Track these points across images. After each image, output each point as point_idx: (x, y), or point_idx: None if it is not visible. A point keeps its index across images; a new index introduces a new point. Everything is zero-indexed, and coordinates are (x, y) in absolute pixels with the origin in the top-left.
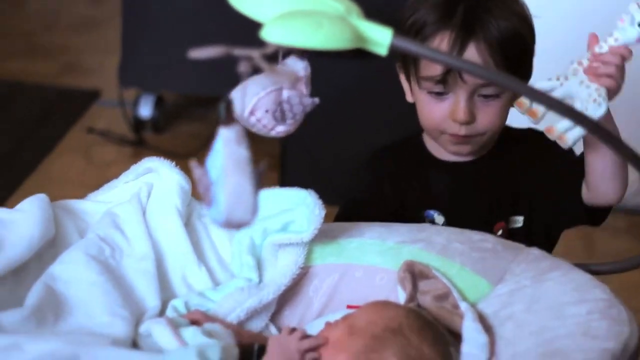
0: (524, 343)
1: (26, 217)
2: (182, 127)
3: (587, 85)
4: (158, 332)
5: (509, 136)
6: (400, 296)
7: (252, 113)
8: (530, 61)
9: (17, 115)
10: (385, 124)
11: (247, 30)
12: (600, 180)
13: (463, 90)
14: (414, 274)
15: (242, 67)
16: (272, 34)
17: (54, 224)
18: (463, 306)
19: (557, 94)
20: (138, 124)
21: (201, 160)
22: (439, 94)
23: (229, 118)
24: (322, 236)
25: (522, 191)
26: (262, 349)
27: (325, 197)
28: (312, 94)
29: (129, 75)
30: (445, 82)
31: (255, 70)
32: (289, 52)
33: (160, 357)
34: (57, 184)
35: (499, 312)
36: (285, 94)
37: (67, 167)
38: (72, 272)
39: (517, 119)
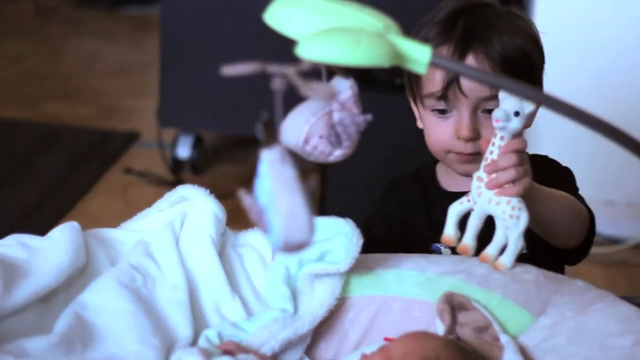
0: None
1: (56, 244)
2: (220, 168)
3: (497, 202)
4: None
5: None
6: (439, 328)
7: (306, 141)
8: (539, 80)
9: (55, 157)
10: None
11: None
12: (562, 239)
13: (465, 106)
14: (453, 306)
15: (276, 84)
16: (307, 51)
17: (84, 251)
18: (504, 338)
19: (475, 216)
20: (176, 165)
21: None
22: (442, 112)
23: (269, 138)
24: (359, 267)
25: None
26: None
27: None
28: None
29: (167, 116)
30: (446, 97)
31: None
32: (332, 72)
33: None
34: (93, 223)
35: (540, 345)
36: (337, 116)
37: (104, 207)
38: (102, 300)
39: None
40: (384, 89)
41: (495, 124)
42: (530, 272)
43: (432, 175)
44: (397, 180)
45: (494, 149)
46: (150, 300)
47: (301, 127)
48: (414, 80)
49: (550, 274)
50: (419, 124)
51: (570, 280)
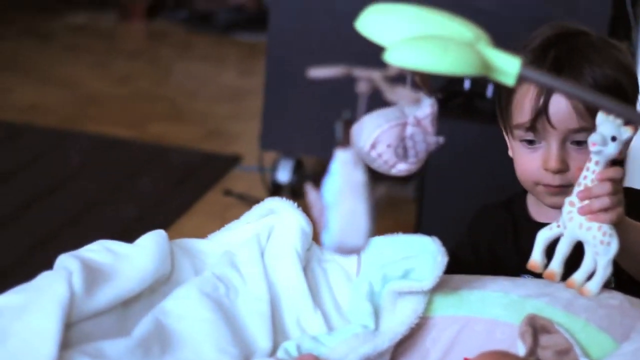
0: None
1: (142, 251)
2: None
3: (588, 227)
4: None
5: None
6: (520, 350)
7: (373, 147)
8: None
9: (158, 176)
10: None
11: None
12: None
13: (554, 138)
14: (536, 328)
15: (361, 87)
16: (395, 56)
17: (169, 260)
18: None
19: (564, 242)
20: (276, 189)
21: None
22: (531, 143)
23: (346, 140)
24: (443, 286)
25: None
26: None
27: None
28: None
29: (269, 139)
30: (535, 129)
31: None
32: (417, 87)
33: None
34: None
35: None
36: (410, 130)
37: (202, 227)
38: (184, 307)
39: None
40: (486, 119)
41: (591, 148)
42: (616, 298)
43: (522, 204)
44: (488, 208)
45: (588, 174)
46: (232, 310)
47: (372, 132)
48: (505, 109)
49: (636, 300)
50: (510, 153)
51: None
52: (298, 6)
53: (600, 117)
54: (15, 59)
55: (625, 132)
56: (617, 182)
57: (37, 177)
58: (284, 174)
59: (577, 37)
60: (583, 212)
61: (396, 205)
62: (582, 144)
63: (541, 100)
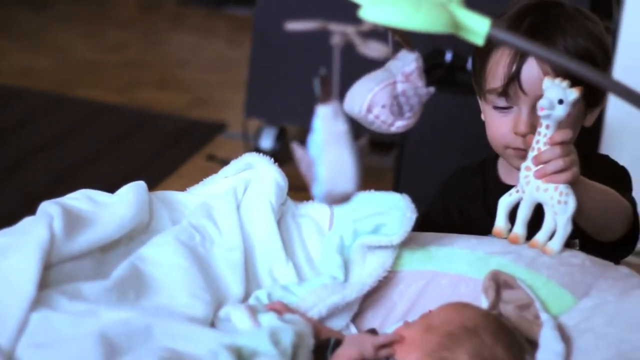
0: (601, 354)
1: (121, 200)
2: None
3: (545, 189)
4: (236, 316)
5: (583, 158)
6: (484, 304)
7: (369, 110)
8: None
9: (144, 141)
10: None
11: (369, 67)
12: (597, 233)
13: (525, 103)
14: (499, 284)
15: (335, 40)
16: (369, 13)
17: (147, 208)
18: (544, 317)
19: (524, 205)
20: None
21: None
22: (503, 109)
23: (325, 95)
24: (412, 243)
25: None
26: (338, 343)
27: None
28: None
29: (253, 108)
30: (507, 94)
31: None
32: (399, 46)
33: (233, 335)
34: None
35: (579, 325)
36: (400, 87)
37: (184, 189)
38: (160, 254)
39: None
40: (466, 91)
41: (540, 112)
42: (578, 257)
43: (493, 168)
44: (461, 171)
45: (540, 138)
46: (206, 259)
47: (365, 96)
48: (479, 75)
49: (597, 259)
50: (483, 117)
51: (615, 266)
52: None
53: (547, 82)
54: (10, 25)
55: (572, 93)
56: (567, 144)
57: (28, 138)
58: (267, 141)
59: (552, 7)
60: (539, 175)
61: (376, 174)
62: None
63: (514, 67)
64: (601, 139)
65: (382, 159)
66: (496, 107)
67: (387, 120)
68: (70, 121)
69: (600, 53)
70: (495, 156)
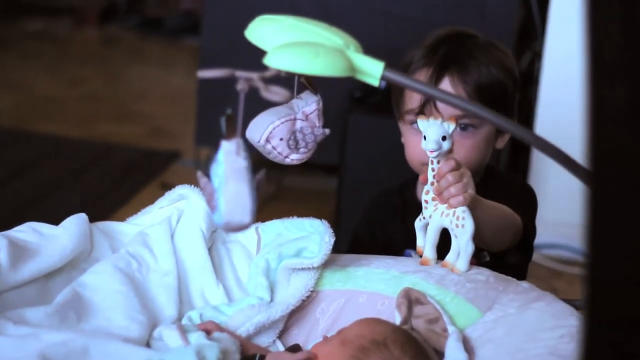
0: None
1: (64, 231)
2: None
3: (447, 214)
4: (167, 335)
5: (492, 178)
6: (397, 319)
7: (268, 140)
8: (510, 109)
9: (102, 172)
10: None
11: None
12: (487, 245)
13: None
14: (411, 300)
15: (240, 86)
16: (273, 60)
17: (88, 239)
18: (450, 329)
19: (431, 230)
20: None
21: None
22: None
23: (229, 132)
24: (333, 264)
25: None
26: (262, 358)
27: None
28: (385, 151)
29: (203, 136)
30: (423, 114)
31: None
32: (304, 87)
33: (163, 352)
34: None
35: (482, 336)
36: (299, 124)
37: None
38: (99, 280)
39: None
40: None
41: (430, 155)
42: (483, 274)
43: (412, 188)
44: (384, 192)
45: (434, 173)
46: (143, 284)
47: (266, 127)
48: (398, 97)
49: (501, 276)
50: (402, 140)
51: (517, 282)
52: (228, 11)
53: (423, 124)
54: None
55: (450, 126)
56: (455, 172)
57: None
58: None
59: (466, 38)
60: (441, 202)
61: (320, 195)
62: (466, 128)
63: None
64: (531, 156)
65: (326, 181)
66: (414, 125)
67: (283, 152)
68: (30, 155)
69: (510, 82)
70: (415, 177)
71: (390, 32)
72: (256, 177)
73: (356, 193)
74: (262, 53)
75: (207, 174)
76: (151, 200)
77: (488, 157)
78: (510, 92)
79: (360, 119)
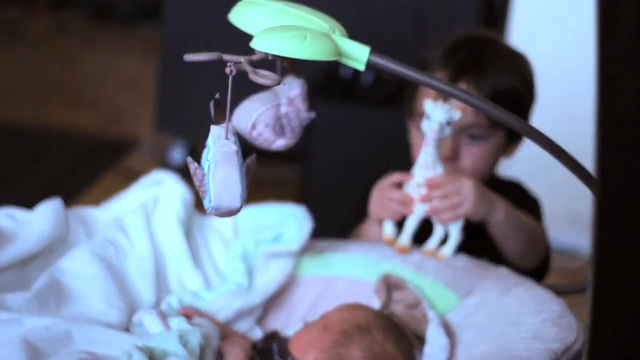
0: (481, 346)
1: (39, 217)
2: None
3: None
4: (148, 320)
5: (494, 184)
6: (376, 304)
7: (253, 127)
8: (525, 119)
9: (59, 160)
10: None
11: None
12: (516, 259)
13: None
14: (389, 286)
15: (228, 69)
16: (260, 44)
17: (64, 224)
18: (430, 314)
19: (413, 220)
20: (170, 169)
21: None
22: None
23: (218, 117)
24: (311, 250)
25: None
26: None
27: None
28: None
29: (163, 122)
30: None
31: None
32: (287, 71)
33: (145, 338)
34: None
35: (463, 321)
36: (284, 109)
37: (98, 204)
38: (77, 266)
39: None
40: (362, 104)
41: (430, 135)
42: (461, 260)
43: None
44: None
45: (428, 157)
46: (120, 269)
47: (251, 114)
48: (410, 98)
49: (480, 262)
50: (408, 139)
51: (496, 267)
52: None
53: (429, 105)
54: None
55: (456, 114)
56: (447, 185)
57: None
58: (177, 155)
59: (485, 43)
60: (431, 211)
61: (280, 184)
62: (475, 137)
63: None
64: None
65: (286, 169)
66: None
67: (269, 139)
68: None
69: (526, 91)
70: None
71: (351, 14)
72: (246, 162)
73: (321, 181)
74: (230, 37)
75: (167, 161)
76: (112, 187)
77: (495, 167)
78: (526, 98)
79: (323, 106)
